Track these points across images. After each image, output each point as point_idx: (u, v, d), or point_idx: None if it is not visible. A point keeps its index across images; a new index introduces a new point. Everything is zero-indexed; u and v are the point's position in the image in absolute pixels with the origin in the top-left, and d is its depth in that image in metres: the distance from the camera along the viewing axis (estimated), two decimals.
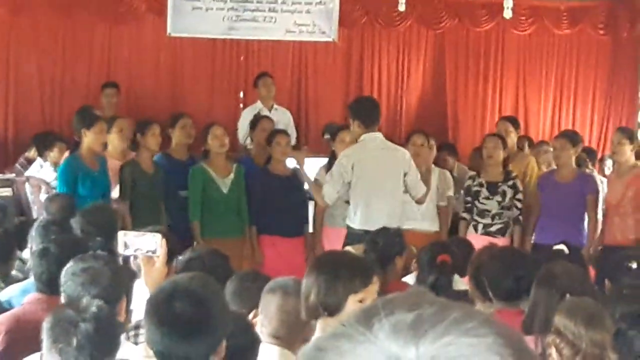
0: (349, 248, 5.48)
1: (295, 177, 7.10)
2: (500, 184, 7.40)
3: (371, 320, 0.89)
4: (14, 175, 8.59)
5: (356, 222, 6.29)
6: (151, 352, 2.58)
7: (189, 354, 2.51)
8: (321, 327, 3.07)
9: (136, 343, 3.41)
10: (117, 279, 3.52)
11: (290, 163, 7.20)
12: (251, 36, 10.28)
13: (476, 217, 7.43)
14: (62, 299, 3.48)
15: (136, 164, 7.03)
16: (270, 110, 8.90)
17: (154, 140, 7.08)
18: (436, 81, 11.03)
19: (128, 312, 3.67)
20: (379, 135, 6.44)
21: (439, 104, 11.01)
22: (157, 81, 10.44)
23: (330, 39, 10.32)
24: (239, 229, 7.14)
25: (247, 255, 7.05)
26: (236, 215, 7.14)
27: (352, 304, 3.00)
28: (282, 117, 8.95)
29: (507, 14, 8.54)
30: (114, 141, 7.19)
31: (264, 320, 3.36)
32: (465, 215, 7.51)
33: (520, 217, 7.42)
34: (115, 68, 10.26)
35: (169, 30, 10.03)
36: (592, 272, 5.18)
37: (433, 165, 7.53)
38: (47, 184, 7.87)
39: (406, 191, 6.43)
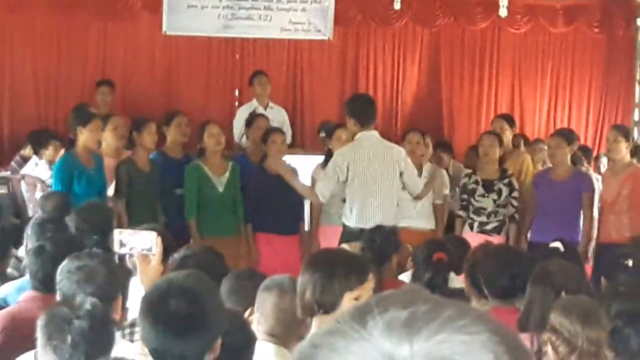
0: (344, 246, 5.48)
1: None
2: (496, 181, 7.40)
3: (365, 318, 0.89)
4: (9, 173, 8.57)
5: (352, 219, 6.30)
6: (147, 350, 2.57)
7: (184, 351, 2.51)
8: (317, 325, 3.07)
9: (132, 341, 3.41)
10: (112, 277, 3.51)
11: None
12: (246, 34, 10.29)
13: (472, 215, 7.43)
14: (58, 297, 3.48)
15: (132, 162, 7.02)
16: (265, 109, 8.90)
17: (150, 138, 7.07)
18: (432, 79, 11.02)
19: (124, 310, 3.67)
20: (374, 133, 6.45)
21: (434, 102, 11.00)
22: (152, 79, 10.42)
23: (325, 37, 10.33)
24: (235, 228, 7.13)
25: (243, 253, 7.04)
26: (232, 213, 7.12)
27: (348, 302, 2.99)
28: (278, 116, 8.95)
29: (503, 12, 8.52)
30: (108, 139, 7.17)
31: (260, 318, 3.36)
32: (461, 213, 7.51)
33: (516, 215, 7.42)
34: (110, 66, 10.25)
35: (164, 28, 10.03)
36: (588, 269, 5.19)
37: (429, 163, 7.56)
38: (43, 182, 7.85)
39: (404, 189, 6.44)
